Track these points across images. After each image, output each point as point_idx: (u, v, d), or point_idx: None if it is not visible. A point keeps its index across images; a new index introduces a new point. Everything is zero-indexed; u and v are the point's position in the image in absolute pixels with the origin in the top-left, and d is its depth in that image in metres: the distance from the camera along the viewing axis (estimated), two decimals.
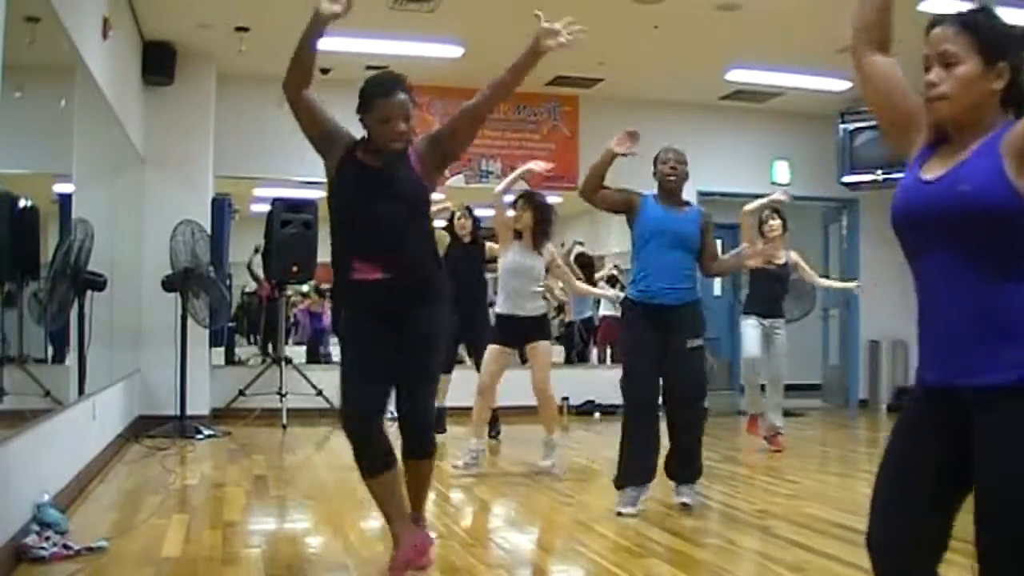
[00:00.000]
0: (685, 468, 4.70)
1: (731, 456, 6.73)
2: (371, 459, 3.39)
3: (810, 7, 6.72)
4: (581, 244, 11.08)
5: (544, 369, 5.78)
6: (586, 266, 9.78)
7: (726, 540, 4.12)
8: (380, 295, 3.33)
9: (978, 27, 1.83)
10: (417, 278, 3.40)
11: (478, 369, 6.81)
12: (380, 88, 3.35)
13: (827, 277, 10.50)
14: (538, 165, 5.85)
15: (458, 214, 7.03)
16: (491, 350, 5.80)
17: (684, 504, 4.62)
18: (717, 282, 12.30)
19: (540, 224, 5.76)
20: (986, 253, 1.78)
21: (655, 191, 4.79)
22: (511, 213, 5.80)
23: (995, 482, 1.73)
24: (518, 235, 5.83)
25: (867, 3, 2.07)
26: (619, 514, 4.50)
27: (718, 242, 11.23)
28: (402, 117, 3.33)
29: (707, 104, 9.51)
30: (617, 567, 3.66)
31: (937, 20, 1.87)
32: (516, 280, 5.76)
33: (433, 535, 4.22)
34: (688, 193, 4.82)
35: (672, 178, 4.72)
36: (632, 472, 4.59)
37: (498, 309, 5.86)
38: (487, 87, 3.72)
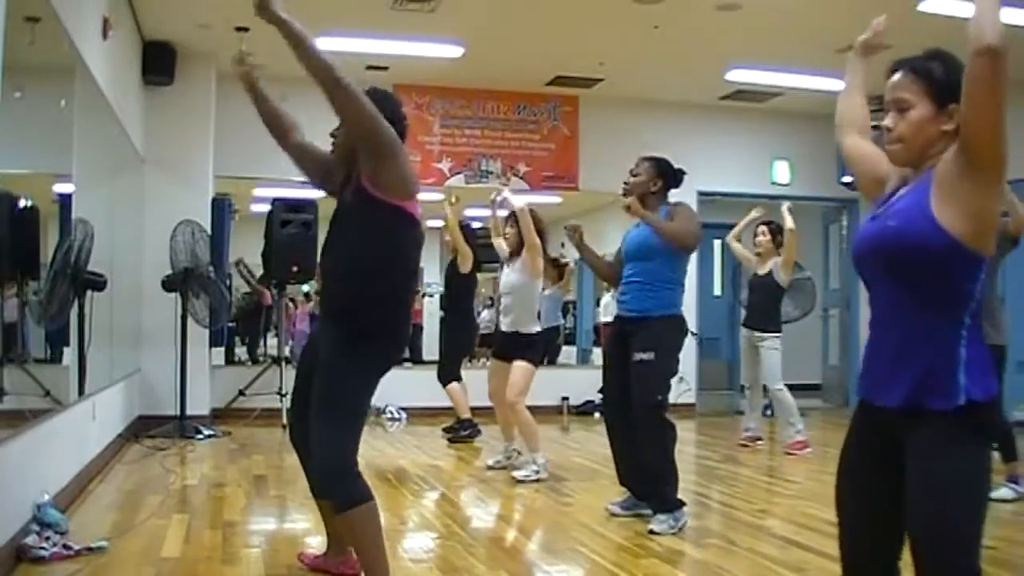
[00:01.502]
0: (640, 484, 4.52)
1: (731, 456, 6.74)
2: (309, 482, 3.27)
3: (810, 7, 6.73)
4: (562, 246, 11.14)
5: (512, 386, 5.74)
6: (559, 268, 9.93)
7: (726, 540, 4.12)
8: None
9: (930, 73, 1.95)
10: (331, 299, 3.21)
11: (439, 377, 7.32)
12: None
13: (827, 277, 10.57)
14: (504, 194, 6.19)
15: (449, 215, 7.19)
16: (491, 363, 6.13)
17: (651, 531, 4.21)
18: (717, 282, 12.32)
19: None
20: (914, 287, 1.92)
21: None
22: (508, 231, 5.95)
23: (913, 493, 1.91)
24: (511, 254, 5.94)
25: (847, 107, 2.34)
26: (606, 509, 4.63)
27: (717, 242, 11.30)
28: None
29: (707, 104, 9.51)
30: (617, 567, 3.66)
31: (895, 67, 2.01)
32: (505, 297, 5.95)
33: (433, 535, 4.23)
34: (688, 193, 4.75)
35: (623, 189, 4.70)
36: (619, 475, 4.71)
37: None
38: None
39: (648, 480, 4.46)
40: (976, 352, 1.91)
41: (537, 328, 5.91)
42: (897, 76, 1.99)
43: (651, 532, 4.20)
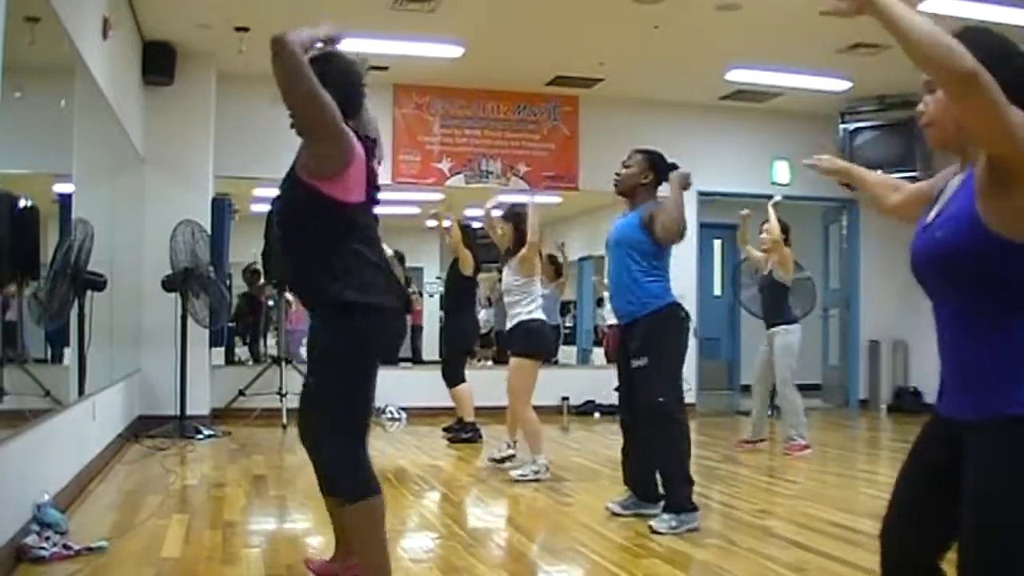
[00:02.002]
0: (643, 485, 4.55)
1: (731, 456, 6.73)
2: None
3: (810, 7, 6.69)
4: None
5: (511, 390, 5.74)
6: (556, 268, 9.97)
7: (726, 540, 4.12)
8: None
9: None
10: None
11: (444, 379, 7.24)
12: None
13: (827, 277, 10.57)
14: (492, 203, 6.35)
15: (447, 223, 7.29)
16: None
17: (650, 527, 4.24)
18: (717, 282, 12.32)
19: (520, 236, 5.84)
20: (969, 298, 1.81)
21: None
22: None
23: (968, 505, 1.81)
24: (508, 252, 5.96)
25: (872, 193, 2.30)
26: (606, 508, 4.63)
27: (717, 241, 11.28)
28: None
29: (707, 104, 9.51)
30: (617, 567, 3.66)
31: None
32: (505, 296, 5.96)
33: (433, 535, 4.22)
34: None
35: (615, 181, 4.67)
36: (624, 476, 4.72)
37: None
38: None
39: (649, 480, 4.50)
40: None
41: (535, 315, 5.78)
42: None
43: (650, 529, 4.21)
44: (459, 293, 7.49)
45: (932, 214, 1.92)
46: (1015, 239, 1.71)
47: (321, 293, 2.94)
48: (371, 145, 3.06)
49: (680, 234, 4.45)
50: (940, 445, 1.95)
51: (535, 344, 5.73)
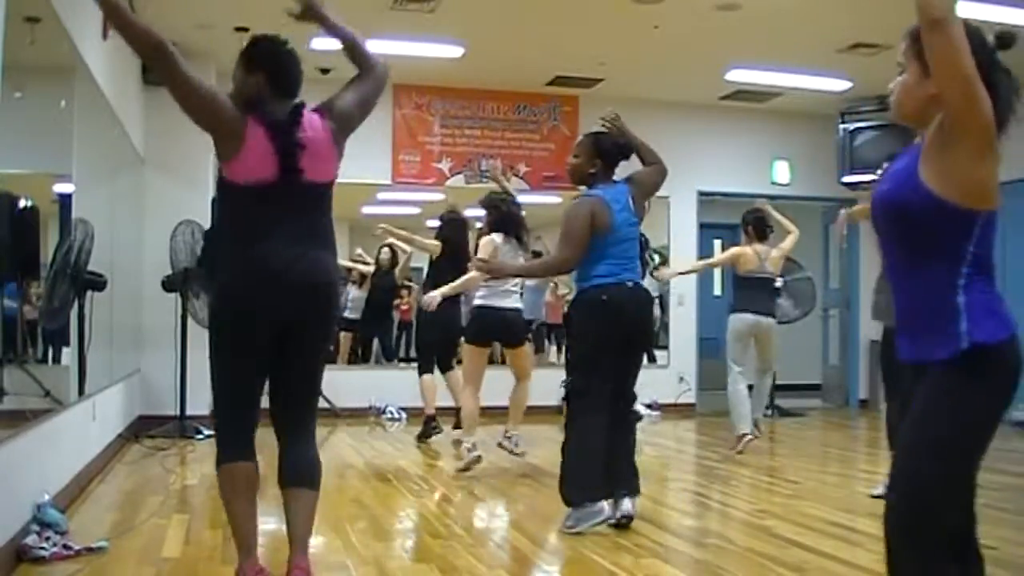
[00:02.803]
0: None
1: (731, 456, 6.73)
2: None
3: (810, 7, 6.73)
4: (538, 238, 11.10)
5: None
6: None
7: (726, 540, 4.12)
8: None
9: (920, 37, 1.92)
10: None
11: (440, 366, 7.15)
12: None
13: (827, 277, 10.57)
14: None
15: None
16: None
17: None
18: (717, 282, 12.31)
19: (488, 224, 5.93)
20: (910, 247, 2.00)
21: None
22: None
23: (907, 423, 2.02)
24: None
25: None
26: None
27: (717, 242, 11.30)
28: None
29: (707, 104, 9.50)
30: (617, 567, 3.66)
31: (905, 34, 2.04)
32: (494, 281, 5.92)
33: (433, 535, 4.22)
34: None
35: (567, 172, 4.67)
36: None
37: None
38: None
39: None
40: (978, 296, 1.93)
41: (483, 301, 5.84)
42: (902, 40, 2.04)
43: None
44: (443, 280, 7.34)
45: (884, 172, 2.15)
46: (950, 198, 1.90)
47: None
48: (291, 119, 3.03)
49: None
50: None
51: (474, 329, 5.93)
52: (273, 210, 2.95)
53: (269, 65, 3.09)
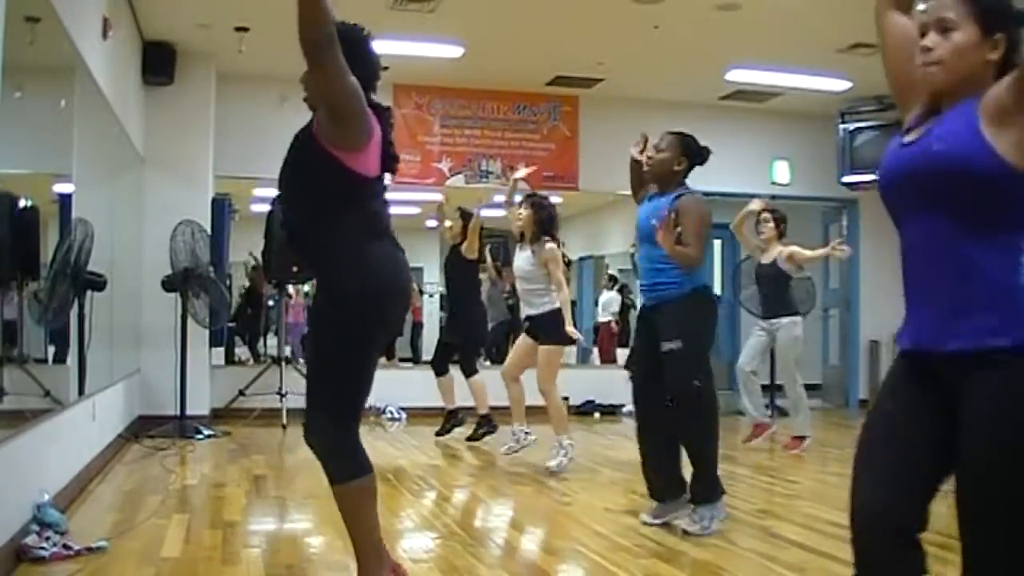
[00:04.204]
0: (668, 484, 4.36)
1: (731, 456, 6.72)
2: None
3: (810, 7, 6.73)
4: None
5: (540, 369, 5.86)
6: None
7: (726, 540, 4.12)
8: None
9: None
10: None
11: (463, 370, 7.12)
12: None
13: (827, 277, 10.57)
14: (522, 172, 6.44)
15: (448, 223, 7.28)
16: (519, 340, 6.23)
17: (683, 531, 4.15)
18: (717, 282, 12.31)
19: (538, 223, 5.89)
20: (963, 215, 1.75)
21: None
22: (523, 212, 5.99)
23: (972, 445, 1.72)
24: (523, 236, 5.98)
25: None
26: (642, 521, 4.39)
27: (717, 242, 11.30)
28: None
29: (707, 104, 9.50)
30: (617, 567, 3.66)
31: None
32: (519, 282, 6.04)
33: (433, 535, 4.22)
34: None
35: (646, 165, 4.48)
36: (649, 487, 4.46)
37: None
38: None
39: (675, 473, 4.35)
40: None
41: (551, 305, 5.87)
42: None
43: (684, 532, 4.12)
44: (464, 279, 7.30)
45: (912, 135, 1.87)
46: (1020, 166, 1.70)
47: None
48: (387, 115, 3.09)
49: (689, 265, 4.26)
50: (915, 386, 1.87)
51: (559, 331, 5.88)
52: (384, 205, 3.03)
53: (373, 58, 3.15)
